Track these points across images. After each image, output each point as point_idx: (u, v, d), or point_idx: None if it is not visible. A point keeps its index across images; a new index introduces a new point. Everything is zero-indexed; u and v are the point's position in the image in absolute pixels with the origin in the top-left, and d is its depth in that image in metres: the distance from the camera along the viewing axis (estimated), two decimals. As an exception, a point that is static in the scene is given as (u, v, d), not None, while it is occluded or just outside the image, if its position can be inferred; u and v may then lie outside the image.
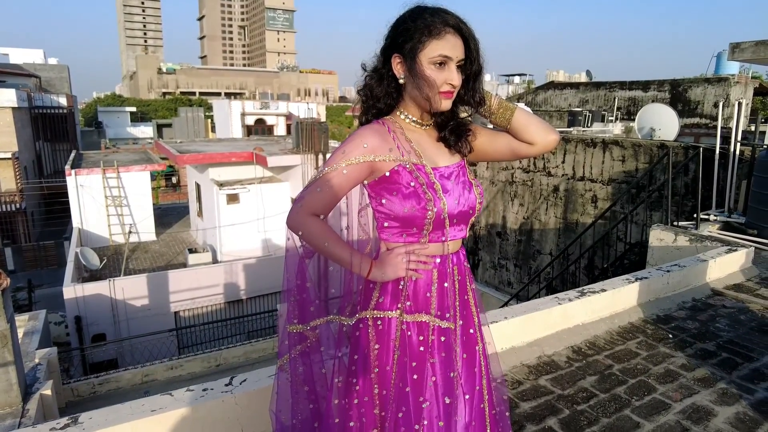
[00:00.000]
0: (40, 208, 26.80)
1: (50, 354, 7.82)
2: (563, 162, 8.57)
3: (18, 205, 23.23)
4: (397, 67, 1.23)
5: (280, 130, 30.01)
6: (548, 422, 2.32)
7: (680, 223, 5.94)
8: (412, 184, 1.20)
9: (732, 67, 17.17)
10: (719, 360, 2.94)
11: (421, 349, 1.21)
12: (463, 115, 1.34)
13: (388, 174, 1.21)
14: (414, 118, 1.28)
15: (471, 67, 1.22)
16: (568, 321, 3.15)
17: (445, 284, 1.26)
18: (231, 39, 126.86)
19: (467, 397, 1.32)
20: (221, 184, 13.12)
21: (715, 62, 18.89)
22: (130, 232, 14.08)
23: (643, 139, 7.95)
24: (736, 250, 4.43)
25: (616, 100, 17.01)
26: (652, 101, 15.43)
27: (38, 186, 25.73)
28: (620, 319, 3.41)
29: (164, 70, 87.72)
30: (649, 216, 7.14)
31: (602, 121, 14.75)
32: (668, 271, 3.86)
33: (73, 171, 14.39)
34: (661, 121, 7.77)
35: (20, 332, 7.58)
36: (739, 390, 2.62)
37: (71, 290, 10.79)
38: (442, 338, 1.23)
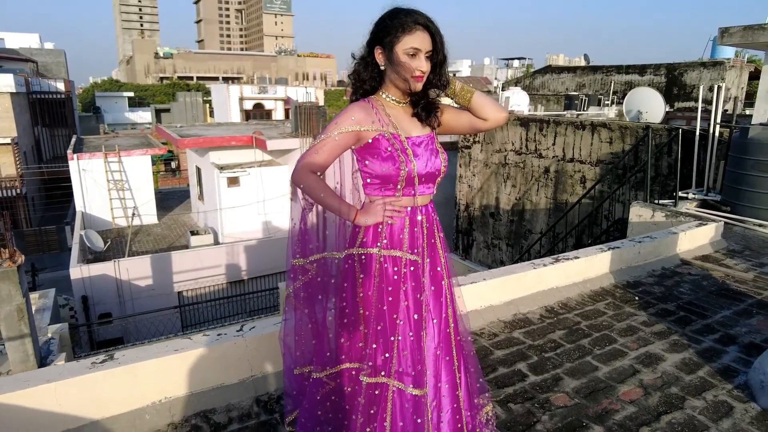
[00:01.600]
0: (40, 193, 27.03)
1: (62, 329, 8.19)
2: (554, 144, 8.86)
3: (18, 191, 23.43)
4: (379, 57, 1.53)
5: (279, 114, 30.13)
6: (518, 366, 2.66)
7: (660, 201, 6.26)
8: (389, 149, 1.51)
9: (728, 51, 17.24)
10: (676, 317, 3.28)
11: (395, 277, 1.53)
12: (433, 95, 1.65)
13: (370, 141, 1.52)
14: (393, 98, 1.59)
15: (437, 56, 1.52)
16: (543, 284, 3.48)
17: (415, 229, 1.58)
18: (228, 23, 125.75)
19: (435, 321, 1.65)
20: (222, 168, 13.39)
21: (711, 46, 18.89)
22: (132, 215, 14.38)
23: (631, 121, 8.24)
24: (706, 224, 4.76)
25: (613, 84, 17.19)
26: (648, 85, 15.62)
27: (38, 171, 25.92)
28: (592, 283, 3.74)
29: (161, 54, 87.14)
30: (634, 195, 7.46)
31: (599, 105, 14.97)
32: (640, 242, 4.18)
33: (75, 155, 14.64)
34: (648, 105, 8.05)
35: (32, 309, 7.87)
36: (688, 341, 2.96)
37: (77, 271, 11.12)
38: (411, 268, 1.55)
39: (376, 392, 1.53)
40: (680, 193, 6.21)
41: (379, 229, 1.55)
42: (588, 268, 3.75)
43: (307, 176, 1.51)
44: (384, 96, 1.58)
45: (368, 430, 1.53)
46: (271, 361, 2.40)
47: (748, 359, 2.74)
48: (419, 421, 1.54)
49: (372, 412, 1.53)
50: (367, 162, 1.54)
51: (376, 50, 1.52)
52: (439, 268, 1.65)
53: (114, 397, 2.09)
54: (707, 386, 2.51)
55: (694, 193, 6.20)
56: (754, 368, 2.55)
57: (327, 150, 1.51)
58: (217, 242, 13.40)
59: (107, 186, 14.87)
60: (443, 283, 1.66)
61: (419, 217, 1.59)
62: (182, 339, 2.32)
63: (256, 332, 2.39)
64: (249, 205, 13.24)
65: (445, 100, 1.70)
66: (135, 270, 11.63)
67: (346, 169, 1.67)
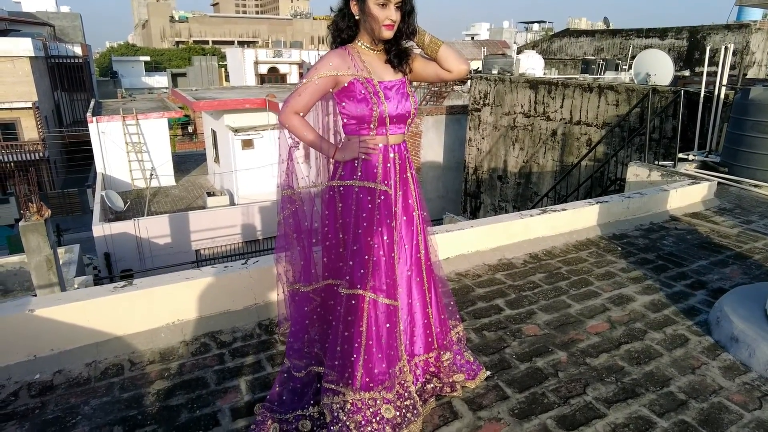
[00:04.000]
0: (61, 157, 27.64)
1: (87, 281, 8.67)
2: (561, 107, 8.89)
3: (41, 154, 24.01)
4: (354, 8, 1.72)
5: (293, 78, 30.10)
6: (496, 301, 2.91)
7: (661, 162, 6.36)
8: (363, 92, 1.72)
9: (755, 13, 16.64)
10: (654, 266, 3.48)
11: (369, 206, 1.77)
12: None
13: (346, 85, 1.73)
14: (367, 45, 1.79)
15: (405, 7, 1.71)
16: (529, 233, 3.69)
17: (388, 165, 1.81)
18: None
19: (406, 246, 1.89)
20: (236, 130, 13.64)
21: (737, 8, 18.21)
22: (150, 176, 14.80)
23: (639, 84, 8.22)
24: (698, 183, 4.88)
25: (632, 48, 16.79)
26: (669, 50, 15.24)
27: (59, 135, 26.45)
28: (579, 234, 3.94)
29: (176, 18, 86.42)
30: (639, 157, 7.53)
31: (616, 69, 14.72)
32: (629, 198, 4.34)
33: (94, 118, 15.02)
34: (657, 67, 8.00)
35: (59, 261, 8.32)
36: (661, 285, 3.17)
37: (99, 229, 11.62)
38: (382, 197, 1.78)
39: (353, 302, 1.78)
40: (682, 155, 6.29)
41: (356, 164, 1.78)
42: (575, 220, 3.94)
43: (291, 117, 1.74)
44: (359, 44, 1.79)
45: (346, 334, 1.80)
46: (273, 291, 2.68)
47: (713, 301, 2.95)
48: (389, 326, 1.80)
49: (350, 319, 1.80)
50: (344, 104, 1.76)
51: (351, 2, 1.71)
52: (410, 201, 1.89)
53: (133, 317, 2.40)
54: (669, 322, 2.74)
55: (694, 155, 6.27)
56: (714, 307, 2.76)
57: (308, 93, 1.72)
58: (232, 203, 13.79)
59: (126, 148, 15.28)
60: (414, 213, 1.90)
61: (391, 155, 1.81)
62: (192, 270, 2.61)
63: (260, 265, 2.68)
64: (263, 167, 13.54)
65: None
66: (154, 229, 12.10)
67: (329, 113, 1.90)
